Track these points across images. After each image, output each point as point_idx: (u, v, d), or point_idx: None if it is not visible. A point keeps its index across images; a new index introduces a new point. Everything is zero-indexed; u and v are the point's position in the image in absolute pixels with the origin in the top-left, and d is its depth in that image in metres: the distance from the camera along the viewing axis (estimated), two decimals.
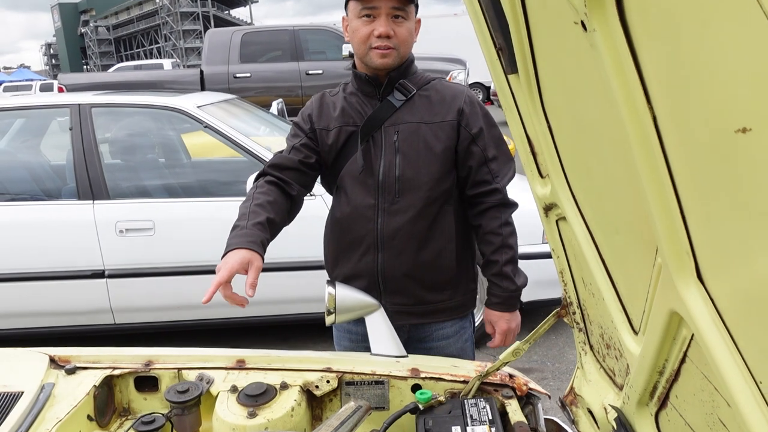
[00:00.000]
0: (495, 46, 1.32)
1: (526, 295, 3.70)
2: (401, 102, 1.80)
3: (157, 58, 69.79)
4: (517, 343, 1.61)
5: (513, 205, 1.87)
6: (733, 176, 0.63)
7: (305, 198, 1.92)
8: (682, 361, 1.01)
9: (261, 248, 1.64)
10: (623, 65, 0.76)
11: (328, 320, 1.71)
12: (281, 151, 1.91)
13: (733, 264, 0.74)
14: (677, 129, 0.73)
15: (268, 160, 1.97)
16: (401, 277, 1.85)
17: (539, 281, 3.63)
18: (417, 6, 1.79)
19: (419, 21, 1.84)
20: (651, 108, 0.76)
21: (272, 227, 1.72)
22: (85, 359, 1.64)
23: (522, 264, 3.81)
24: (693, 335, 0.92)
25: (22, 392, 1.43)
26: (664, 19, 0.67)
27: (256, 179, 1.86)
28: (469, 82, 11.26)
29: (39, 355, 1.62)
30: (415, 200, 1.80)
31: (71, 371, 1.58)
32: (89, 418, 1.48)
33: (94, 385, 1.52)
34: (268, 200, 1.75)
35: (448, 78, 10.22)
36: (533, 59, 1.19)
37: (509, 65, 1.29)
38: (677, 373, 1.06)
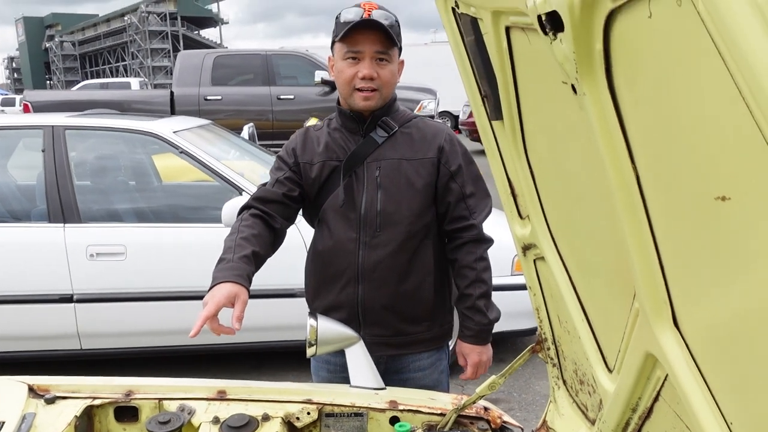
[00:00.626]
0: (480, 93, 1.39)
1: (496, 326, 3.81)
2: (383, 138, 1.86)
3: (123, 75, 69.17)
4: (493, 377, 1.66)
5: (488, 241, 1.93)
6: (712, 237, 0.70)
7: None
8: (656, 399, 1.07)
9: (247, 281, 1.66)
10: (610, 127, 0.83)
11: (309, 352, 1.73)
12: (265, 184, 1.94)
13: (707, 313, 0.80)
14: (659, 189, 0.80)
15: (252, 193, 2.00)
16: (380, 309, 1.89)
17: (509, 313, 3.71)
18: (400, 48, 1.86)
19: (402, 62, 1.91)
20: (635, 168, 0.82)
21: (257, 260, 1.75)
22: (64, 389, 1.63)
23: (495, 295, 3.89)
24: (667, 375, 0.98)
25: (4, 422, 1.42)
26: (649, 89, 0.74)
27: (240, 212, 1.89)
28: (439, 111, 11.42)
29: (18, 384, 1.61)
30: (396, 234, 1.85)
31: (51, 401, 1.57)
32: None
33: (75, 416, 1.52)
34: (252, 233, 1.79)
35: (418, 107, 10.37)
36: (519, 108, 1.25)
37: (494, 112, 1.36)
38: (650, 411, 1.12)
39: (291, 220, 1.93)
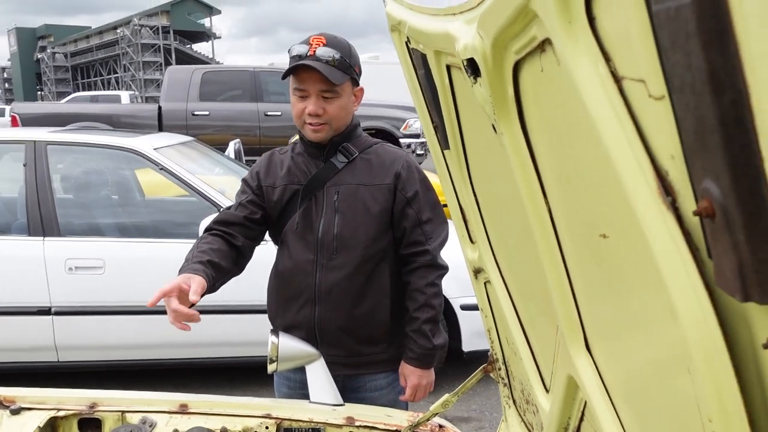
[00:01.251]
0: (432, 123, 1.47)
1: (468, 345, 3.88)
2: (343, 164, 1.92)
3: (115, 87, 69.16)
4: (447, 395, 1.72)
5: (442, 268, 1.97)
6: (602, 269, 0.77)
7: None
8: (581, 419, 1.14)
9: (204, 275, 1.70)
10: (525, 165, 0.90)
11: (270, 368, 1.79)
12: (229, 208, 2.01)
13: (610, 339, 0.87)
14: (567, 223, 0.87)
15: (215, 216, 2.05)
16: (336, 330, 1.94)
17: (481, 332, 3.78)
18: (355, 79, 1.90)
19: (361, 89, 1.96)
20: (547, 202, 0.90)
21: (215, 268, 1.78)
22: (30, 400, 1.68)
23: (466, 315, 3.94)
24: None
25: None
26: (550, 132, 0.81)
27: (202, 234, 1.95)
28: None
29: None
30: (352, 258, 1.90)
31: (16, 411, 1.62)
32: None
33: (39, 426, 1.57)
34: (210, 247, 1.84)
35: (404, 126, 10.48)
36: (462, 139, 1.33)
37: (443, 141, 1.43)
38: (578, 430, 1.18)
39: (256, 241, 1.99)
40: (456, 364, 4.04)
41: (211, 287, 1.75)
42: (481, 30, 0.81)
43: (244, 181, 2.04)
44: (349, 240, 1.90)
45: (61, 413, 1.66)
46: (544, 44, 0.66)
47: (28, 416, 1.63)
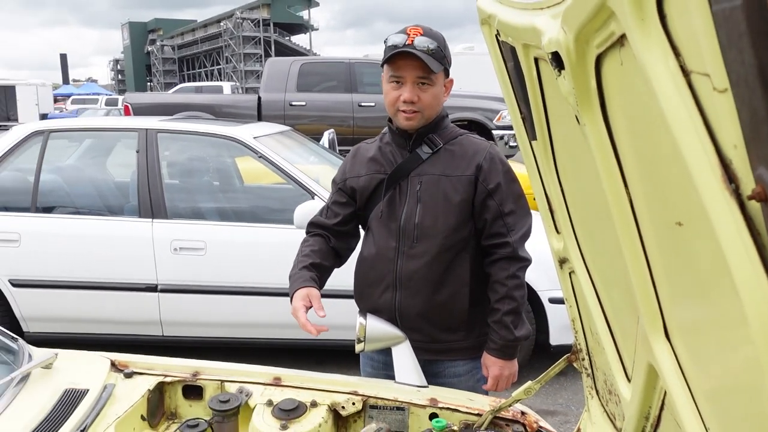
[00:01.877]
0: (520, 114, 1.49)
1: (556, 338, 3.85)
2: (428, 155, 1.98)
3: (218, 78, 71.95)
4: (530, 382, 1.74)
5: (524, 260, 1.98)
6: (679, 257, 0.79)
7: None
8: (661, 408, 1.15)
9: (313, 282, 1.94)
10: (606, 154, 0.93)
11: (358, 348, 1.88)
12: (323, 210, 2.18)
13: (688, 326, 0.88)
14: (648, 212, 0.89)
15: (311, 218, 2.22)
16: (415, 316, 2.00)
17: (569, 326, 3.74)
18: (447, 70, 1.95)
19: (451, 81, 2.00)
20: (628, 192, 0.92)
21: (319, 269, 2.01)
22: (140, 365, 1.84)
23: (554, 308, 3.91)
24: None
25: (88, 390, 1.64)
26: (632, 122, 0.83)
27: (304, 238, 2.15)
28: None
29: (101, 359, 1.84)
30: (431, 246, 1.96)
31: (129, 375, 1.78)
32: (142, 418, 1.68)
33: (148, 389, 1.72)
34: (312, 249, 2.05)
35: (497, 117, 10.38)
36: (549, 129, 1.35)
37: (531, 132, 1.46)
38: (658, 419, 1.19)
39: (350, 236, 2.15)
40: (543, 357, 4.02)
41: (320, 287, 1.98)
42: (565, 25, 0.84)
43: (333, 180, 2.18)
44: (429, 229, 1.95)
45: (168, 379, 1.81)
46: (623, 39, 0.69)
47: (139, 380, 1.78)
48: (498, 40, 1.44)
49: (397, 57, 1.87)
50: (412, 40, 1.86)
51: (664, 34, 0.56)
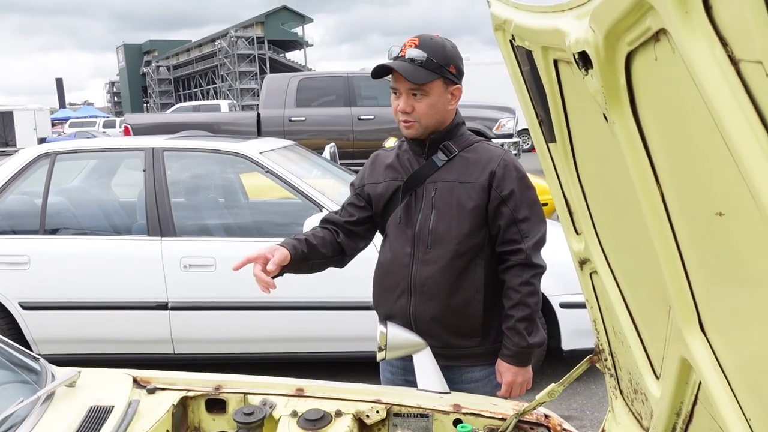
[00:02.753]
0: (537, 117, 1.51)
1: (568, 343, 3.84)
2: (443, 161, 2.00)
3: (214, 97, 72.22)
4: (553, 385, 1.74)
5: (538, 267, 1.98)
6: (717, 247, 0.80)
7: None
8: (695, 403, 1.15)
9: (288, 245, 1.94)
10: (637, 151, 0.94)
11: (379, 356, 1.88)
12: (336, 211, 2.20)
13: (726, 316, 0.89)
14: (680, 206, 0.90)
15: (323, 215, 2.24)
16: (429, 321, 2.00)
17: (581, 330, 3.75)
18: (448, 78, 1.94)
19: (458, 88, 1.99)
20: (660, 187, 0.93)
21: (309, 246, 1.99)
22: (162, 381, 1.85)
23: (565, 313, 3.90)
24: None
25: (113, 406, 1.64)
26: (665, 118, 0.84)
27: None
28: (518, 129, 11.43)
29: (124, 376, 1.84)
30: (445, 252, 1.97)
31: (152, 391, 1.78)
32: None
33: (173, 404, 1.72)
34: (313, 233, 2.07)
35: (496, 126, 10.42)
36: (569, 131, 1.36)
37: (549, 134, 1.47)
38: (691, 415, 1.19)
39: (360, 238, 2.14)
40: (556, 363, 4.02)
41: (300, 261, 1.95)
42: (594, 24, 0.85)
43: (351, 184, 2.20)
44: (443, 235, 1.97)
45: (191, 393, 1.81)
46: (659, 34, 0.70)
47: (162, 395, 1.79)
48: (512, 45, 1.46)
49: (384, 68, 1.92)
50: (405, 52, 1.91)
51: (710, 25, 0.57)
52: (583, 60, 0.93)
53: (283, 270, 1.92)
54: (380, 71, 1.93)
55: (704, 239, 0.84)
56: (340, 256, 2.10)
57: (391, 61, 1.94)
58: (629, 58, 0.84)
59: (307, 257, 1.98)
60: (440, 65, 1.91)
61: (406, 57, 1.89)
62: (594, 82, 0.93)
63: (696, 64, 0.60)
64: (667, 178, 0.91)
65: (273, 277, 1.88)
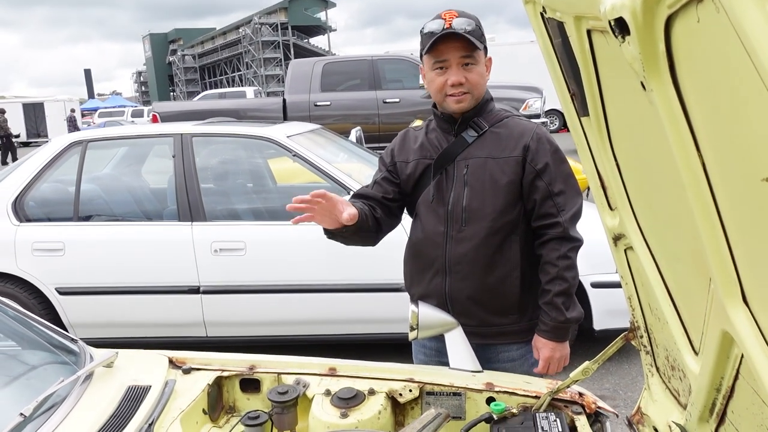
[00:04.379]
0: (569, 91, 1.48)
1: (600, 323, 3.80)
2: (473, 138, 1.97)
3: (239, 84, 72.58)
4: (587, 362, 1.73)
5: (575, 240, 1.96)
6: (763, 217, 0.77)
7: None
8: (736, 377, 1.13)
9: (359, 208, 1.88)
10: (677, 119, 0.91)
11: (411, 336, 1.88)
12: (367, 186, 2.14)
13: None
14: (722, 175, 0.87)
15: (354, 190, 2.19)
16: (465, 300, 1.99)
17: (612, 310, 3.71)
18: (486, 48, 1.95)
19: (490, 59, 2.00)
20: (701, 156, 0.90)
21: (362, 215, 1.91)
22: (198, 362, 1.87)
23: (597, 293, 3.86)
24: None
25: (150, 386, 1.66)
26: (707, 83, 0.82)
27: None
28: (546, 110, 11.29)
29: (160, 357, 1.87)
30: (480, 230, 1.95)
31: (187, 371, 1.81)
32: (204, 411, 1.70)
33: (208, 384, 1.74)
34: (360, 206, 1.97)
35: (523, 106, 10.31)
36: (603, 104, 1.34)
37: (581, 108, 1.44)
38: (732, 390, 1.17)
39: (392, 216, 2.10)
40: (587, 343, 3.99)
41: (357, 228, 1.87)
42: None
43: (380, 159, 2.16)
44: (477, 212, 1.95)
45: (226, 374, 1.83)
46: None
47: (198, 375, 1.81)
48: (543, 17, 1.43)
49: (439, 43, 1.87)
50: (450, 24, 1.86)
51: None
52: (620, 27, 0.90)
53: (340, 230, 1.86)
54: (438, 43, 1.86)
55: (748, 207, 0.82)
56: (375, 233, 2.05)
57: (447, 30, 1.86)
58: (669, 22, 0.82)
59: (360, 227, 1.91)
60: (482, 34, 1.92)
61: (455, 27, 1.86)
62: (631, 50, 0.91)
63: (743, 21, 0.58)
64: (708, 145, 0.88)
65: (330, 235, 1.90)
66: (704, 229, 0.97)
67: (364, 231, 1.95)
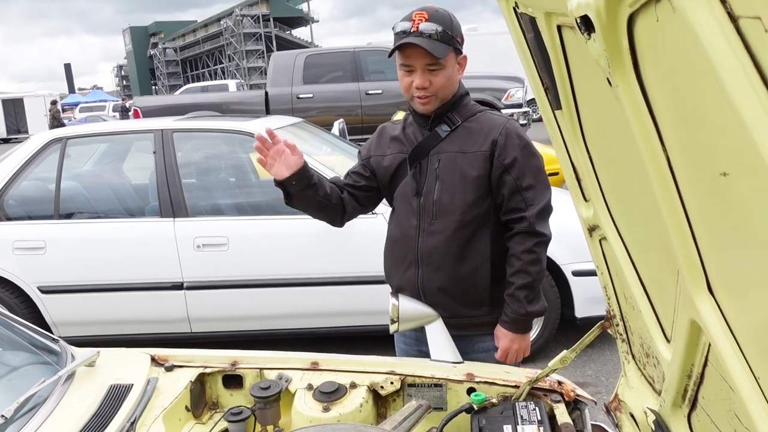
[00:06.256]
0: (542, 85, 1.50)
1: (581, 311, 3.85)
2: (446, 133, 2.00)
3: (221, 77, 72.04)
4: (565, 351, 1.76)
5: (541, 235, 1.97)
6: (723, 208, 0.80)
7: (366, 216, 2.15)
8: (705, 364, 1.16)
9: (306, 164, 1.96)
10: (641, 115, 0.93)
11: (392, 328, 1.90)
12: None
13: (734, 277, 0.89)
14: (686, 169, 0.89)
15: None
16: (437, 291, 2.02)
17: (594, 298, 3.75)
18: (457, 48, 1.94)
19: (464, 57, 2.00)
20: (665, 150, 0.92)
21: (318, 178, 2.00)
22: (180, 359, 1.88)
23: (578, 281, 3.91)
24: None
25: (132, 384, 1.67)
26: (668, 79, 0.84)
27: None
28: (528, 99, 11.32)
29: (142, 355, 1.87)
30: (450, 223, 1.98)
31: (170, 369, 1.82)
32: (187, 408, 1.71)
33: (190, 381, 1.75)
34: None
35: (505, 96, 10.34)
36: (575, 98, 1.36)
37: (555, 102, 1.46)
38: (702, 376, 1.20)
39: (360, 203, 2.14)
40: (569, 331, 4.04)
41: (308, 181, 1.94)
42: None
43: (359, 152, 2.21)
44: (447, 206, 1.98)
45: (208, 370, 1.84)
46: None
47: (180, 372, 1.82)
48: (516, 12, 1.44)
49: (405, 46, 1.88)
50: (417, 27, 1.86)
51: None
52: (586, 24, 0.92)
53: (291, 178, 1.92)
54: (403, 47, 1.88)
55: (710, 200, 0.84)
56: (340, 210, 2.09)
57: (409, 37, 1.87)
58: (631, 20, 0.83)
59: (314, 185, 1.97)
60: (452, 36, 1.91)
61: (422, 31, 1.86)
62: (596, 46, 0.92)
63: (695, 22, 0.60)
64: (672, 140, 0.90)
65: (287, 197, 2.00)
66: (670, 222, 0.99)
67: (323, 199, 2.01)
